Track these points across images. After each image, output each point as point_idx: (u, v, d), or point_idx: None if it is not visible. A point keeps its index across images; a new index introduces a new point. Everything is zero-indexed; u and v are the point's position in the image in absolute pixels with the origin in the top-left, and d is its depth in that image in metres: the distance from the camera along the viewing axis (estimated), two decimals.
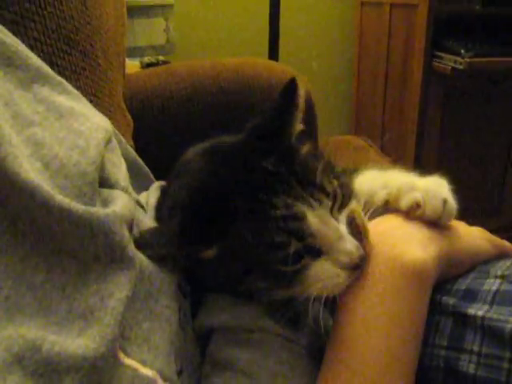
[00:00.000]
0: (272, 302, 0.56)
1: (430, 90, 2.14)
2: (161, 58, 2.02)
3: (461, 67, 1.98)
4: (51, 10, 0.71)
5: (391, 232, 0.57)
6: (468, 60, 1.96)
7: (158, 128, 1.14)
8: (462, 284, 0.57)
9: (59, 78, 0.55)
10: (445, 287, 0.57)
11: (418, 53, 2.15)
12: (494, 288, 0.54)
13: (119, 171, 0.56)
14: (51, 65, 0.71)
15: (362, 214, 0.58)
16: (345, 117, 2.79)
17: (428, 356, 0.55)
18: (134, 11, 1.99)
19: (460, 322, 0.54)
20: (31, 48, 0.65)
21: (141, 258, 0.50)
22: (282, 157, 0.55)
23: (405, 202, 0.58)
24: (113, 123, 0.89)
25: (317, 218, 0.52)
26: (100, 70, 0.85)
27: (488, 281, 0.56)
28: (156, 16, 2.06)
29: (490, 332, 0.51)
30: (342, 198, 0.57)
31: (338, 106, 2.78)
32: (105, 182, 0.51)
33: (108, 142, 0.54)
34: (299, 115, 0.59)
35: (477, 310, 0.53)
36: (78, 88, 0.77)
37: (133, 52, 2.00)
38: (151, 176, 0.82)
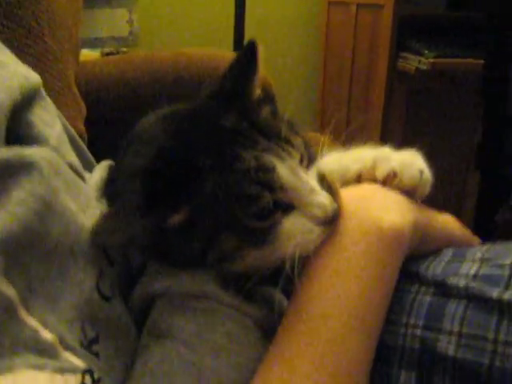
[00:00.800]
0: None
1: (394, 89, 2.16)
2: (123, 49, 1.98)
3: (424, 67, 1.99)
4: None
5: (368, 197, 0.55)
6: (431, 60, 1.98)
7: (113, 116, 1.10)
8: (438, 267, 0.56)
9: None
10: (420, 268, 0.56)
11: (382, 52, 2.16)
12: (473, 271, 0.53)
13: (52, 130, 0.53)
14: None
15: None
16: (310, 114, 2.78)
17: (402, 336, 0.53)
18: (96, 0, 1.94)
19: (441, 292, 0.53)
20: None
21: (70, 209, 0.46)
22: (243, 114, 0.53)
23: (381, 171, 0.57)
24: (62, 107, 0.86)
25: (287, 170, 0.51)
26: (47, 49, 0.81)
27: (466, 264, 0.54)
28: (119, 6, 2.02)
29: (475, 300, 0.50)
30: (308, 155, 0.55)
31: (304, 104, 2.77)
32: (32, 140, 0.48)
33: (32, 94, 0.51)
34: (257, 79, 0.57)
35: (459, 280, 0.52)
36: None
37: (94, 43, 1.95)
38: (94, 164, 0.75)
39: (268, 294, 0.56)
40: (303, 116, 2.77)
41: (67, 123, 0.68)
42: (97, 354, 0.46)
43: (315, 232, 0.52)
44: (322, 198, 0.52)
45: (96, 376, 0.42)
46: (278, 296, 0.57)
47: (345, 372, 0.47)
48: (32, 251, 0.41)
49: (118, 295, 0.52)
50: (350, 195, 0.55)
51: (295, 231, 0.51)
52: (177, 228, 0.50)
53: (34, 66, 0.77)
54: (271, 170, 0.50)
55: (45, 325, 0.40)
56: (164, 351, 0.48)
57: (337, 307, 0.49)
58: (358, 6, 2.34)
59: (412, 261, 0.56)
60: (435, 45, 2.07)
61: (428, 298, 0.53)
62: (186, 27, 2.45)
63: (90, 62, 1.21)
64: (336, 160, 0.63)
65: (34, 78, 0.53)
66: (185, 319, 0.50)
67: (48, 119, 0.54)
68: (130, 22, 2.07)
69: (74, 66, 1.00)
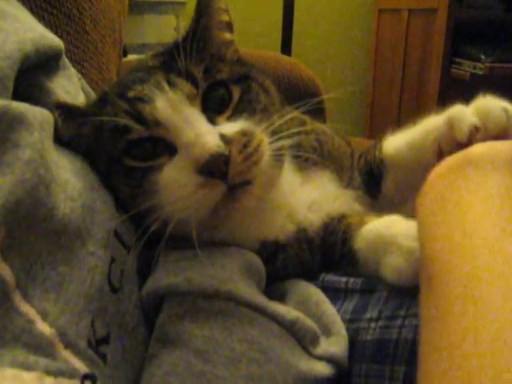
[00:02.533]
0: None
1: (447, 97, 2.07)
2: None
3: (480, 72, 1.90)
4: None
5: None
6: (488, 65, 1.89)
7: None
8: None
9: None
10: None
11: (435, 58, 2.08)
12: None
13: (73, 100, 0.50)
14: None
15: (266, 142, 0.50)
16: (358, 122, 2.71)
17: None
18: (145, 7, 1.95)
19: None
20: None
21: (71, 182, 0.42)
22: (173, 56, 0.51)
23: (461, 132, 0.49)
24: None
25: (166, 103, 0.46)
26: (88, 38, 0.79)
27: None
28: (167, 13, 2.02)
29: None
30: (240, 106, 0.51)
31: (352, 111, 2.71)
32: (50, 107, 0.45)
33: (50, 54, 0.48)
34: (219, 22, 0.56)
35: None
36: None
37: (141, 49, 1.96)
38: None
39: (302, 297, 0.51)
40: (352, 123, 2.70)
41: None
42: (104, 357, 0.40)
43: (194, 182, 0.45)
44: (205, 139, 0.45)
45: None
46: (317, 297, 0.52)
47: None
48: (35, 227, 0.36)
49: (133, 287, 0.47)
50: None
51: (172, 178, 0.46)
52: (88, 138, 0.50)
53: (73, 54, 0.75)
54: (146, 101, 0.47)
55: (44, 316, 0.35)
56: (172, 361, 0.42)
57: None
58: (410, 11, 2.27)
59: None
60: (492, 49, 1.98)
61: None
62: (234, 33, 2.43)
63: (134, 61, 1.19)
64: (402, 138, 0.58)
65: (52, 38, 0.50)
66: (196, 324, 0.43)
67: (71, 89, 0.51)
68: (178, 28, 2.07)
69: (116, 61, 0.98)
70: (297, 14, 1.96)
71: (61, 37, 0.72)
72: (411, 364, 0.44)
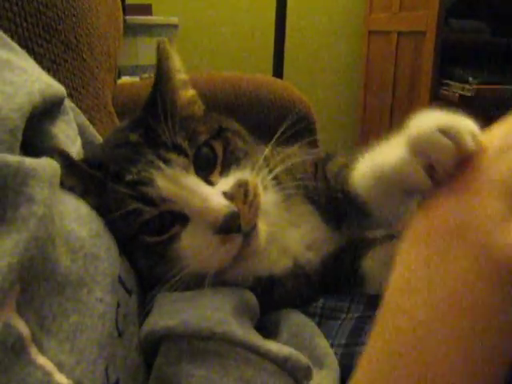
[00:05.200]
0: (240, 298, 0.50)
1: None
2: None
3: (469, 94, 1.94)
4: None
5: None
6: (476, 87, 1.92)
7: None
8: None
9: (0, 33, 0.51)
10: None
11: (425, 80, 2.11)
12: None
13: (73, 146, 0.52)
14: (27, 50, 0.66)
15: (259, 183, 0.54)
16: (349, 143, 2.74)
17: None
18: (138, 29, 1.98)
19: None
20: (4, 30, 0.60)
21: (74, 232, 0.43)
22: (150, 127, 0.53)
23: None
24: (97, 124, 0.85)
25: (166, 181, 0.49)
26: (84, 65, 0.81)
27: None
28: (160, 35, 2.04)
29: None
30: (226, 159, 0.54)
31: (343, 133, 2.74)
32: (53, 151, 0.46)
33: (55, 102, 0.50)
34: (178, 81, 0.57)
35: None
36: (56, 79, 0.73)
37: (135, 70, 1.98)
38: None
39: (296, 330, 0.52)
40: (342, 145, 2.73)
41: (99, 137, 0.66)
42: None
43: (213, 243, 0.49)
44: (215, 203, 0.49)
45: None
46: (311, 329, 0.53)
47: None
48: (45, 282, 0.37)
49: (134, 329, 0.48)
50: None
51: (192, 245, 0.50)
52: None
53: (70, 81, 0.76)
54: (148, 183, 0.49)
55: (60, 367, 0.35)
56: None
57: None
58: (399, 33, 2.31)
59: None
60: (479, 71, 2.02)
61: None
62: (225, 56, 2.47)
63: (127, 85, 1.21)
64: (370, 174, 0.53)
65: (57, 87, 0.52)
66: (193, 364, 0.44)
67: (70, 134, 0.53)
68: None
69: (111, 85, 0.99)
70: (288, 37, 1.99)
71: (59, 64, 0.74)
72: None
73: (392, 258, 0.53)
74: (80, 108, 0.75)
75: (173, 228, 0.51)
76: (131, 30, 1.92)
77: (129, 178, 0.50)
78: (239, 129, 0.61)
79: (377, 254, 0.58)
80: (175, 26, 2.10)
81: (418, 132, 0.42)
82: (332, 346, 0.53)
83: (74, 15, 0.78)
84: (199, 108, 0.61)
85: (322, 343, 0.52)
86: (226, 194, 0.50)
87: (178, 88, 0.58)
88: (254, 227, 0.51)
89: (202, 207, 0.49)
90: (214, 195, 0.49)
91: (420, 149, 0.41)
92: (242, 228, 0.50)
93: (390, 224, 0.68)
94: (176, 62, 0.58)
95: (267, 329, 0.55)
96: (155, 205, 0.49)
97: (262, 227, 0.53)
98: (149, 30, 2.02)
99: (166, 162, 0.50)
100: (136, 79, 1.86)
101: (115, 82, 1.05)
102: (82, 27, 0.81)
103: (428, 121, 0.42)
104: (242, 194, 0.50)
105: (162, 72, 0.56)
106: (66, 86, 0.75)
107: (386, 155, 0.49)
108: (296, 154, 0.67)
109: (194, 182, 0.50)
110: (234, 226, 0.49)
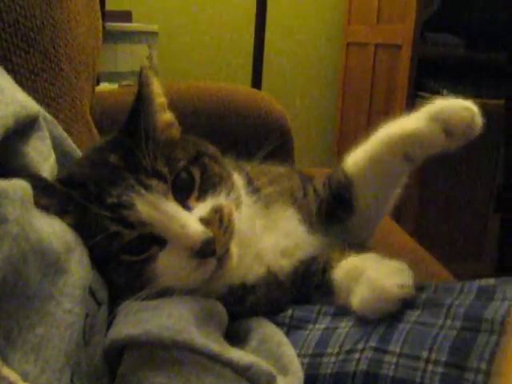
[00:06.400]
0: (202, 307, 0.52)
1: None
2: None
3: None
4: (9, 4, 0.67)
5: None
6: None
7: None
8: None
9: None
10: None
11: (401, 92, 2.15)
12: None
13: (45, 163, 0.53)
14: (5, 61, 0.67)
15: (234, 210, 0.56)
16: (327, 154, 2.77)
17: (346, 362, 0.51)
18: (118, 36, 1.98)
19: None
20: None
21: (51, 247, 0.44)
22: (130, 150, 0.54)
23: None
24: (75, 134, 0.85)
25: (146, 205, 0.51)
26: (62, 75, 0.81)
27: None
28: (140, 42, 2.05)
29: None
30: (203, 184, 0.56)
31: (321, 144, 2.77)
32: (24, 169, 0.48)
33: (28, 124, 0.51)
34: (158, 105, 0.59)
35: None
36: (34, 89, 0.74)
37: (114, 77, 1.97)
38: None
39: (265, 338, 0.54)
40: (321, 154, 2.76)
41: (76, 148, 0.66)
42: None
43: (189, 266, 0.52)
44: (192, 229, 0.51)
45: None
46: (279, 337, 0.55)
47: None
48: (14, 298, 0.38)
49: (99, 339, 0.49)
50: None
51: (169, 265, 0.52)
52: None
53: (48, 91, 0.77)
54: (128, 207, 0.51)
55: (24, 376, 0.37)
56: None
57: None
58: (376, 46, 2.35)
59: None
60: (454, 85, 2.06)
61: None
62: (204, 65, 2.48)
63: (106, 93, 1.21)
64: (363, 154, 0.68)
65: (32, 107, 0.53)
66: (154, 372, 0.46)
67: (44, 150, 0.54)
68: (150, 58, 2.10)
69: (90, 94, 0.99)
70: (267, 48, 2.01)
71: (36, 75, 0.74)
72: None
73: (362, 271, 0.56)
74: (57, 118, 0.76)
75: (150, 249, 0.52)
76: (111, 37, 1.92)
77: (110, 200, 0.51)
78: (214, 152, 0.63)
79: (348, 265, 0.60)
80: (155, 34, 2.11)
81: (442, 104, 0.61)
82: (299, 355, 0.55)
83: (52, 25, 0.78)
84: (177, 131, 0.63)
85: (289, 351, 0.54)
86: (202, 220, 0.53)
87: (158, 112, 0.59)
88: (227, 250, 0.54)
89: (180, 233, 0.51)
90: (191, 221, 0.52)
91: (442, 116, 0.60)
92: (217, 252, 0.52)
93: (365, 237, 0.72)
94: (156, 86, 0.59)
95: (239, 335, 0.57)
96: (134, 227, 0.51)
97: (235, 250, 0.55)
98: (128, 36, 2.02)
99: (146, 187, 0.52)
100: (115, 86, 1.86)
101: (94, 90, 1.05)
102: (61, 37, 0.81)
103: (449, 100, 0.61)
104: (217, 220, 0.53)
105: (143, 98, 0.57)
106: (44, 96, 0.76)
107: (403, 125, 0.64)
108: (286, 176, 0.72)
109: (172, 207, 0.52)
110: (209, 251, 0.51)
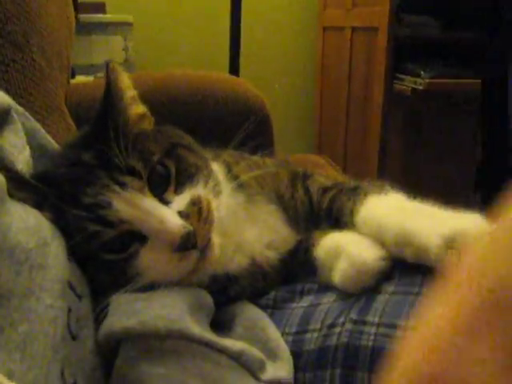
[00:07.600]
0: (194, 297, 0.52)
1: (391, 111, 2.15)
2: None
3: (421, 87, 1.99)
4: None
5: None
6: (427, 81, 1.98)
7: None
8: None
9: None
10: None
11: (378, 74, 2.16)
12: None
13: (19, 155, 0.52)
14: None
15: (212, 200, 0.56)
16: (307, 138, 2.77)
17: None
18: (92, 28, 1.95)
19: None
20: None
21: (21, 244, 0.43)
22: (102, 148, 0.53)
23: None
24: (50, 124, 0.84)
25: (124, 203, 0.50)
26: (34, 66, 0.80)
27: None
28: (115, 34, 2.02)
29: None
30: (179, 176, 0.55)
31: (301, 127, 2.77)
32: None
33: (0, 115, 0.50)
34: (128, 99, 0.58)
35: None
36: (6, 81, 0.72)
37: (89, 69, 1.95)
38: None
39: (249, 324, 0.54)
40: (301, 139, 2.76)
41: (51, 140, 0.65)
42: None
43: (173, 260, 0.51)
44: (171, 224, 0.51)
45: None
46: (263, 322, 0.55)
47: None
48: None
49: (88, 332, 0.49)
50: None
51: (152, 260, 0.51)
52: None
53: (20, 82, 0.76)
54: (105, 206, 0.50)
55: (10, 375, 0.36)
56: None
57: None
58: (353, 29, 2.35)
59: None
60: (431, 66, 2.08)
61: None
62: (181, 54, 2.46)
63: (81, 84, 1.20)
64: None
65: (2, 100, 0.52)
66: (151, 363, 0.46)
67: (17, 143, 0.53)
68: (126, 49, 2.08)
69: (65, 85, 0.98)
70: (244, 34, 2.00)
71: (7, 65, 0.73)
72: (346, 367, 0.49)
73: (343, 246, 0.56)
74: (31, 109, 0.75)
75: (131, 246, 0.52)
76: (85, 29, 1.89)
77: (86, 200, 0.50)
78: (189, 142, 0.62)
79: (328, 241, 0.60)
80: (129, 24, 2.08)
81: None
82: (282, 334, 0.55)
83: (24, 16, 0.77)
84: (150, 123, 0.62)
85: (274, 335, 0.54)
86: (181, 213, 0.52)
87: (128, 106, 0.58)
88: (209, 241, 0.54)
89: (160, 229, 0.50)
90: (169, 216, 0.51)
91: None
92: (198, 244, 0.52)
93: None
94: (125, 79, 0.58)
95: (223, 323, 0.56)
96: (113, 226, 0.50)
97: (216, 240, 0.55)
98: (103, 28, 2.00)
99: (122, 185, 0.51)
100: (90, 78, 1.83)
101: (68, 81, 1.04)
102: (32, 27, 0.80)
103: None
104: (196, 212, 0.52)
105: (112, 94, 0.56)
106: (17, 87, 0.75)
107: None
108: (268, 165, 0.71)
109: (150, 203, 0.51)
110: (190, 244, 0.51)
